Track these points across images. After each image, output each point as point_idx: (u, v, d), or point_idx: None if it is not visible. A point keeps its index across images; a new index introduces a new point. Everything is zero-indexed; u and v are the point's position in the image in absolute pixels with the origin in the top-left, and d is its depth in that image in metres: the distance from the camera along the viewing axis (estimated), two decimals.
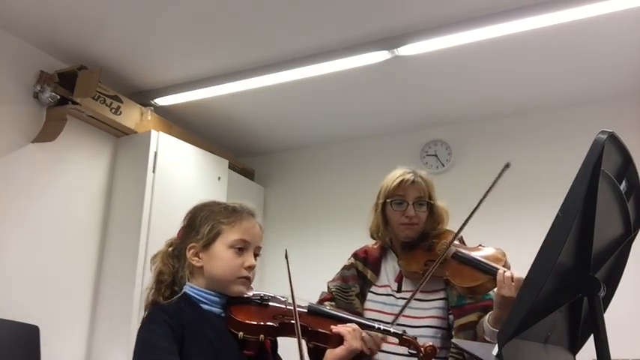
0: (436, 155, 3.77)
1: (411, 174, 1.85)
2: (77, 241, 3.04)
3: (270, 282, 3.40)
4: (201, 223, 1.37)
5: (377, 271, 1.87)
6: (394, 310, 1.76)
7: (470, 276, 1.67)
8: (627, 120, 3.28)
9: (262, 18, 2.71)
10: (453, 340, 1.65)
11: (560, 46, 2.89)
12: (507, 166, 1.61)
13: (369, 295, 1.84)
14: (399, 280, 1.84)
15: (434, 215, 1.87)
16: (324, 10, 2.64)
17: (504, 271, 1.58)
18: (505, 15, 2.61)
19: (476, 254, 1.74)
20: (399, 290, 1.81)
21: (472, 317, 1.70)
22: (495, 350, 0.85)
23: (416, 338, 1.43)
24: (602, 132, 0.90)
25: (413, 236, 1.85)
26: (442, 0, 2.57)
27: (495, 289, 1.61)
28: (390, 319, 1.70)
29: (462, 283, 1.67)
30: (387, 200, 1.84)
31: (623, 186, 0.98)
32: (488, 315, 1.64)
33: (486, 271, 1.65)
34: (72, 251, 3.00)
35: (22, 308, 2.64)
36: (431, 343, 1.41)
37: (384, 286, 1.84)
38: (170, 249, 1.41)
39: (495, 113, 3.63)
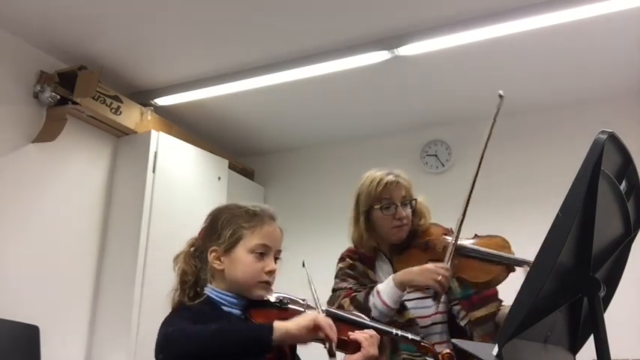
0: (436, 155, 3.77)
1: (390, 175, 1.82)
2: (77, 240, 3.04)
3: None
4: (223, 227, 1.38)
5: (374, 271, 1.85)
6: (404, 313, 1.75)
7: (482, 270, 1.66)
8: (627, 120, 3.28)
9: (262, 18, 2.71)
10: (453, 341, 1.65)
11: (560, 46, 2.89)
12: (501, 96, 1.63)
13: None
14: None
15: (417, 212, 1.85)
16: (324, 10, 2.64)
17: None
18: (505, 15, 2.61)
19: (480, 246, 1.72)
20: None
21: (490, 309, 1.68)
22: (495, 350, 0.85)
23: (434, 345, 1.43)
24: (602, 132, 0.90)
25: (404, 237, 1.83)
26: (442, 0, 2.57)
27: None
28: (414, 294, 1.71)
29: (476, 277, 1.66)
30: (375, 206, 1.80)
31: (623, 186, 0.98)
32: (508, 306, 1.64)
33: (496, 261, 1.64)
34: (72, 251, 3.00)
35: (22, 308, 2.64)
36: (449, 351, 1.41)
37: None
38: (192, 249, 1.42)
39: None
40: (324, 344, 1.23)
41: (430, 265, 1.65)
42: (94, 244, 3.14)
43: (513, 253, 1.68)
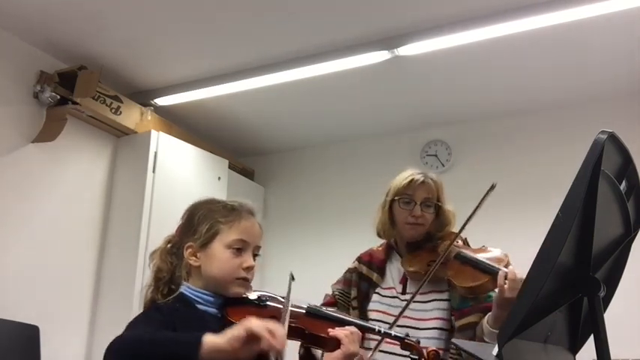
0: (436, 155, 3.77)
1: (421, 175, 1.86)
2: (77, 241, 3.04)
3: (270, 283, 3.39)
4: (199, 222, 1.34)
5: (382, 274, 1.87)
6: (399, 311, 1.76)
7: (471, 276, 1.67)
8: (627, 120, 3.28)
9: (262, 18, 2.71)
10: (453, 340, 1.65)
11: (560, 46, 2.89)
12: (493, 187, 1.64)
13: (375, 297, 1.83)
14: (403, 281, 1.83)
15: (440, 218, 1.87)
16: (324, 10, 2.64)
17: (505, 272, 1.57)
18: (505, 15, 2.61)
19: (479, 255, 1.73)
20: (403, 292, 1.81)
21: (472, 318, 1.69)
22: (495, 350, 0.85)
23: (419, 342, 1.42)
24: (602, 132, 0.90)
25: (417, 237, 1.85)
26: (442, 0, 2.57)
27: (496, 290, 1.61)
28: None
29: (463, 282, 1.67)
30: (396, 198, 1.84)
31: (623, 186, 0.98)
32: (487, 316, 1.64)
33: (487, 271, 1.64)
34: (72, 251, 3.00)
35: (22, 308, 2.64)
36: (434, 348, 1.40)
37: (390, 288, 1.84)
38: (169, 246, 1.39)
39: (495, 113, 3.63)
40: (270, 358, 1.10)
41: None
42: (94, 244, 3.14)
43: (509, 267, 1.66)
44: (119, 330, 1.21)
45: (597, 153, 0.87)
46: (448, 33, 2.72)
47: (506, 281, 1.54)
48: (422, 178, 1.84)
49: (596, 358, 0.93)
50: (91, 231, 3.13)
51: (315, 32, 2.83)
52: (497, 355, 0.85)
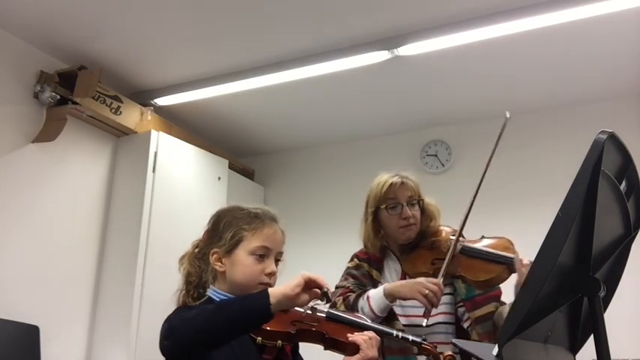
0: (436, 155, 3.77)
1: (397, 176, 1.86)
2: (77, 241, 3.04)
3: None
4: (224, 229, 1.39)
5: (381, 272, 1.87)
6: (404, 311, 1.77)
7: (483, 269, 1.67)
8: (627, 120, 3.28)
9: (262, 18, 2.71)
10: (453, 341, 1.65)
11: (560, 46, 2.89)
12: (507, 118, 1.64)
13: None
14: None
15: (426, 213, 1.88)
16: (324, 10, 2.64)
17: (521, 259, 1.58)
18: (505, 15, 2.61)
19: (483, 246, 1.73)
20: None
21: (489, 308, 1.71)
22: (495, 350, 0.85)
23: (436, 347, 1.43)
24: (602, 132, 0.90)
25: (413, 237, 1.85)
26: (442, 0, 2.57)
27: (512, 276, 1.61)
28: (401, 320, 1.72)
29: (477, 276, 1.67)
30: (381, 207, 1.84)
31: (623, 186, 0.98)
32: (508, 304, 1.65)
33: (500, 261, 1.65)
34: (72, 251, 3.00)
35: (22, 308, 2.64)
36: (451, 353, 1.42)
37: None
38: (196, 250, 1.44)
39: (495, 113, 3.61)
40: (322, 298, 1.21)
41: (421, 279, 1.67)
42: (94, 244, 3.14)
43: (517, 254, 1.68)
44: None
45: (597, 153, 0.87)
46: (448, 33, 2.72)
47: (525, 268, 1.54)
48: (400, 180, 1.84)
49: (596, 358, 0.93)
50: (91, 231, 3.13)
51: (315, 32, 2.83)
52: (497, 355, 0.85)
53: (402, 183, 1.83)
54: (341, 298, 1.76)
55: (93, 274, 3.10)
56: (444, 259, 1.72)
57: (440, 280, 1.66)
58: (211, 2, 2.59)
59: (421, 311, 1.67)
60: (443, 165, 3.74)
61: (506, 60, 3.04)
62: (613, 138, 0.92)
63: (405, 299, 1.69)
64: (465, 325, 1.73)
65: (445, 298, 1.76)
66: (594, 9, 2.51)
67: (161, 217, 3.11)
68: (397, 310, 1.76)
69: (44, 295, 2.80)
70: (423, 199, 1.87)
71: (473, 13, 2.63)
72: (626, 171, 0.99)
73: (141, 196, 3.12)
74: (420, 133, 3.83)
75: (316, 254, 3.69)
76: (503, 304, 1.74)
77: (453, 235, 1.81)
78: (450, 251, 1.69)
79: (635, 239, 1.05)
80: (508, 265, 1.63)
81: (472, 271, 1.69)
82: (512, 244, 1.73)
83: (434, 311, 1.72)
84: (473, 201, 1.71)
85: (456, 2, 2.58)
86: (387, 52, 2.88)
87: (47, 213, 2.89)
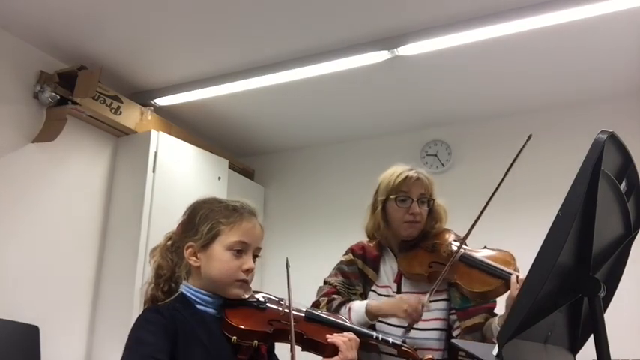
0: (436, 155, 3.77)
1: (413, 171, 1.83)
2: (77, 241, 3.04)
3: (270, 283, 3.39)
4: (200, 222, 1.33)
5: (377, 270, 1.83)
6: (387, 320, 1.73)
7: (480, 280, 1.64)
8: (627, 120, 3.28)
9: (262, 18, 2.71)
10: (453, 341, 1.65)
11: (560, 46, 2.89)
12: (529, 138, 1.62)
13: (372, 295, 1.80)
14: (398, 280, 1.80)
15: (433, 213, 1.85)
16: (324, 10, 2.64)
17: (517, 275, 1.56)
18: (505, 15, 2.61)
19: (484, 257, 1.70)
20: (398, 291, 1.78)
21: (479, 319, 1.68)
22: (495, 350, 0.85)
23: (416, 349, 1.42)
24: (602, 132, 0.90)
25: (415, 235, 1.82)
26: (442, 0, 2.57)
27: (507, 293, 1.59)
28: (393, 320, 1.70)
29: (473, 287, 1.64)
30: (390, 197, 1.80)
31: (623, 186, 0.98)
32: (498, 317, 1.63)
33: (498, 275, 1.61)
34: (72, 251, 3.00)
35: (22, 308, 2.64)
36: (430, 356, 1.41)
37: (385, 286, 1.81)
38: (169, 243, 1.39)
39: (495, 113, 3.63)
40: None
41: (404, 296, 1.67)
42: (94, 244, 3.14)
43: (518, 269, 1.64)
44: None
45: (597, 153, 0.87)
46: (448, 33, 2.72)
47: (519, 285, 1.52)
48: (416, 175, 1.81)
49: (596, 358, 0.93)
50: (91, 231, 3.13)
51: (315, 32, 2.83)
52: (497, 355, 0.85)
53: (418, 179, 1.80)
54: (325, 299, 1.74)
55: (93, 274, 3.10)
56: (442, 264, 1.69)
57: (427, 297, 1.63)
58: (211, 2, 2.59)
59: (405, 324, 1.65)
60: (443, 165, 3.74)
61: (506, 60, 3.04)
62: (613, 138, 0.92)
63: (386, 317, 1.68)
64: (455, 333, 1.71)
65: (440, 304, 1.74)
66: (594, 9, 2.51)
67: (161, 217, 3.11)
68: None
69: (44, 295, 2.80)
70: (434, 200, 1.84)
71: (473, 13, 2.63)
72: (626, 171, 0.99)
73: (141, 196, 3.12)
74: (420, 133, 3.84)
75: (316, 254, 3.68)
76: (495, 315, 1.71)
77: (456, 241, 1.78)
78: (450, 260, 1.65)
79: (635, 239, 1.05)
80: (506, 281, 1.59)
81: (468, 281, 1.66)
82: (513, 259, 1.69)
83: (428, 316, 1.69)
84: (480, 214, 1.66)
85: (456, 2, 2.58)
86: (387, 52, 2.88)
87: (47, 213, 2.89)
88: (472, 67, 3.10)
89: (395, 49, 2.86)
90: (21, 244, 2.74)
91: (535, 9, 2.55)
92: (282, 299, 1.39)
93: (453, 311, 1.74)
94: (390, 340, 1.41)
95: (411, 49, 2.86)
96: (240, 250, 1.31)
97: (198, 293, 1.31)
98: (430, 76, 3.21)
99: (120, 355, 1.20)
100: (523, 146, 1.62)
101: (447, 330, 1.74)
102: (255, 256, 1.35)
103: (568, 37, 2.81)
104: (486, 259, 1.69)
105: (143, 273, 2.98)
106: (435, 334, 1.71)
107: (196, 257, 1.32)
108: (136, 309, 2.91)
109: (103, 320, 3.01)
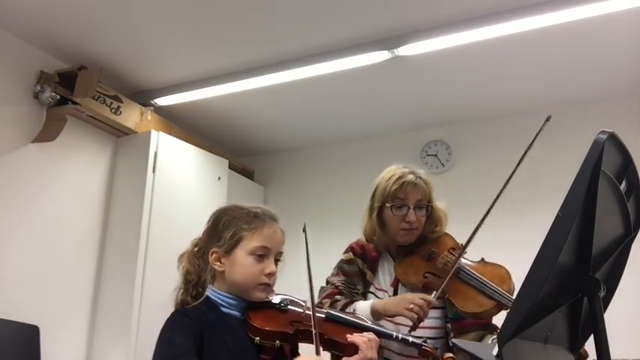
0: (436, 155, 3.77)
1: (411, 174, 1.75)
2: (77, 241, 3.04)
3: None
4: (224, 229, 1.38)
5: (375, 272, 1.81)
6: (393, 320, 1.72)
7: (474, 300, 1.61)
8: (627, 120, 3.28)
9: (262, 18, 2.71)
10: (453, 340, 1.64)
11: (560, 46, 2.89)
12: (548, 119, 1.59)
13: (370, 297, 1.79)
14: (395, 285, 1.78)
15: (432, 217, 1.80)
16: (324, 10, 2.64)
17: (513, 299, 1.50)
18: (505, 15, 2.61)
19: (480, 274, 1.66)
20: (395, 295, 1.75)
21: (473, 336, 1.66)
22: (495, 350, 0.85)
23: (437, 349, 1.42)
24: (602, 132, 0.90)
25: (412, 241, 1.78)
26: (442, 0, 2.57)
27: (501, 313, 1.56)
28: (398, 319, 1.68)
29: (465, 307, 1.61)
30: (387, 204, 1.74)
31: (623, 186, 0.98)
32: (493, 339, 1.60)
33: (492, 297, 1.59)
34: (72, 251, 3.00)
35: (22, 308, 2.64)
36: (451, 355, 1.40)
37: (382, 290, 1.79)
38: (195, 249, 1.43)
39: (495, 113, 3.63)
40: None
41: (409, 295, 1.64)
42: (94, 244, 3.14)
43: (513, 285, 1.63)
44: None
45: (597, 153, 0.87)
46: (448, 33, 2.72)
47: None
48: (413, 180, 1.74)
49: (596, 358, 0.93)
50: (91, 231, 3.13)
51: (315, 32, 2.83)
52: (497, 355, 0.85)
53: (415, 185, 1.73)
54: (328, 300, 1.73)
55: (93, 274, 3.10)
56: (437, 275, 1.67)
57: (433, 296, 1.61)
58: (211, 2, 2.59)
59: (410, 324, 1.62)
60: (443, 165, 3.74)
61: (506, 60, 3.04)
62: (613, 138, 0.92)
63: (391, 316, 1.66)
64: (451, 343, 1.69)
65: (435, 313, 1.71)
66: (594, 9, 2.51)
67: (161, 217, 3.11)
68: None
69: (44, 295, 2.80)
70: (432, 205, 1.78)
71: (473, 13, 2.63)
72: (626, 171, 0.99)
73: (141, 196, 3.12)
74: (420, 133, 3.84)
75: (316, 254, 3.68)
76: (492, 328, 1.68)
77: (453, 249, 1.74)
78: (447, 278, 1.61)
79: (635, 239, 1.05)
80: (499, 303, 1.57)
81: (461, 299, 1.62)
82: (509, 276, 1.66)
83: (425, 323, 1.66)
84: (481, 222, 1.64)
85: (456, 2, 2.58)
86: (387, 52, 2.89)
87: (47, 213, 2.89)
88: (472, 67, 3.10)
89: (395, 49, 2.86)
90: (21, 244, 2.74)
91: (535, 9, 2.55)
92: (304, 301, 1.43)
93: (448, 320, 1.72)
94: (410, 339, 1.41)
95: (411, 49, 2.86)
96: (262, 254, 1.36)
97: (223, 297, 1.36)
98: (430, 76, 3.21)
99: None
100: (541, 128, 1.59)
101: (445, 338, 1.72)
102: (276, 260, 1.41)
103: (568, 38, 2.81)
104: (482, 276, 1.65)
105: (143, 273, 2.98)
106: (430, 343, 1.70)
107: (220, 262, 1.37)
108: (136, 309, 2.93)
109: (103, 320, 3.01)
